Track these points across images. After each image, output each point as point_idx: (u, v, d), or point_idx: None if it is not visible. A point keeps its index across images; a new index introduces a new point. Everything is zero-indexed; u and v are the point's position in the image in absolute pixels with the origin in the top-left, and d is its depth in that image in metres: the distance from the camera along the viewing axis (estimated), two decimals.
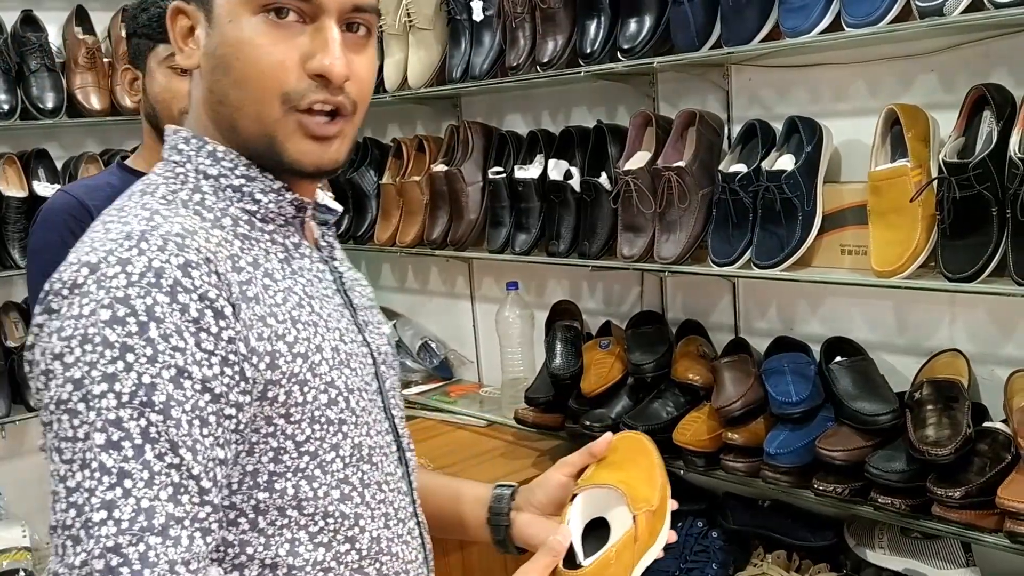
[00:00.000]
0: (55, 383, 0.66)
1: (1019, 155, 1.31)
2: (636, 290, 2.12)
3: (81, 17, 2.57)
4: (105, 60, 2.52)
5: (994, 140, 1.37)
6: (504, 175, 2.09)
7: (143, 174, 0.87)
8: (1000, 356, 1.57)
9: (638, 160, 1.85)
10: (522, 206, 2.05)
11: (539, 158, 2.08)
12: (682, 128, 1.81)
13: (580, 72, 1.84)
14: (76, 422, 0.65)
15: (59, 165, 2.55)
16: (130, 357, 0.65)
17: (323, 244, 0.90)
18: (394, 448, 0.88)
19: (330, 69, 0.75)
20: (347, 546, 0.79)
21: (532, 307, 2.23)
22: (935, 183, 1.41)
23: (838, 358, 1.68)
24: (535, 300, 2.28)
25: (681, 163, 1.75)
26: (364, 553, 0.81)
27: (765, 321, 1.90)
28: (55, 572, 0.64)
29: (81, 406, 0.65)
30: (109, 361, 0.65)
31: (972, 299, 1.55)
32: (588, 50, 1.84)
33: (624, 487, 0.91)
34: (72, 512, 0.64)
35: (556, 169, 2.02)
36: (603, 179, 1.90)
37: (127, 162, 1.63)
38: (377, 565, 0.82)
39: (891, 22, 1.42)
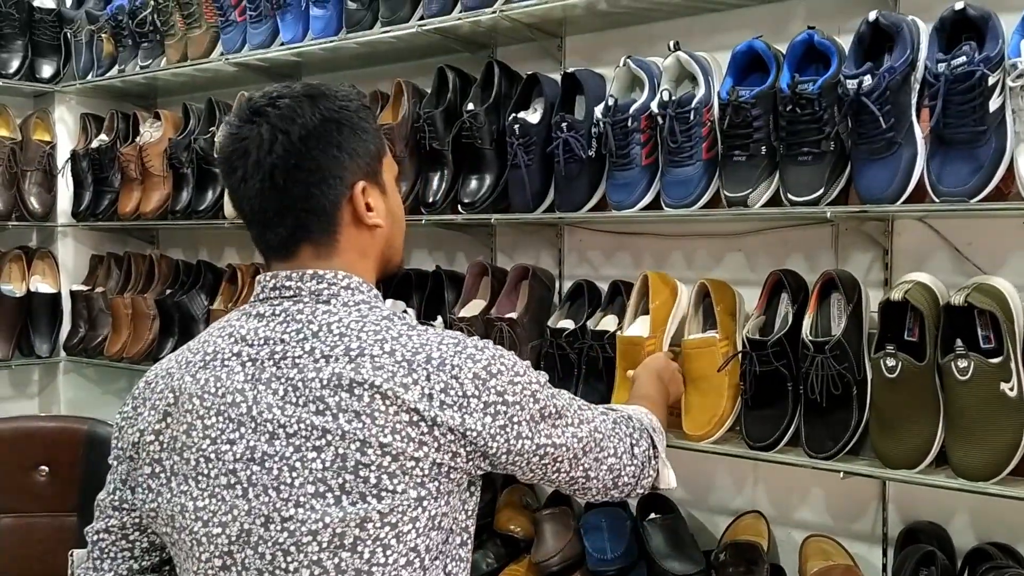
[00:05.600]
0: (535, 405, 1.02)
1: (810, 338, 1.44)
2: None
3: None
4: None
5: (789, 322, 1.51)
6: None
7: None
8: (797, 520, 1.68)
9: (473, 308, 1.90)
10: None
11: None
12: (516, 281, 1.88)
13: (422, 220, 1.90)
14: (566, 414, 1.07)
15: None
16: (541, 383, 1.05)
17: None
18: None
19: None
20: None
21: None
22: (739, 356, 1.52)
23: (652, 514, 1.73)
24: None
25: (513, 314, 1.80)
26: None
27: None
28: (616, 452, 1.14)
29: (553, 409, 1.05)
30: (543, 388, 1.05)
31: (773, 465, 1.65)
32: (431, 199, 1.89)
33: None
34: (588, 432, 1.09)
35: (394, 309, 2.01)
36: (438, 323, 1.93)
37: None
38: None
39: (703, 207, 1.56)
